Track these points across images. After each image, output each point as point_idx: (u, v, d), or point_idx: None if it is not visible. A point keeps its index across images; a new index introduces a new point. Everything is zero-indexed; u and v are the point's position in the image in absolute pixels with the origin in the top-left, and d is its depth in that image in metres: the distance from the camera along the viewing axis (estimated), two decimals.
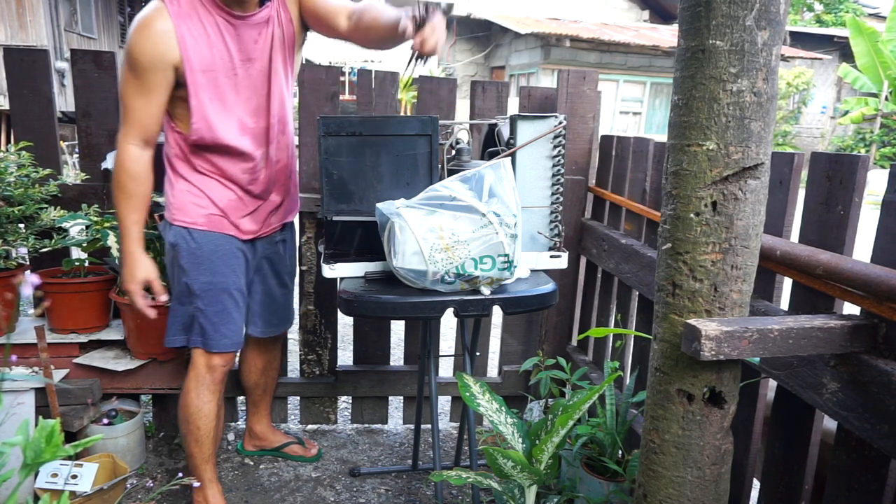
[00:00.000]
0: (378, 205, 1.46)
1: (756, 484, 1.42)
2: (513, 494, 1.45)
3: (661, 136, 7.49)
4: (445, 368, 2.73)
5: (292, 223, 1.93)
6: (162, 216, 1.74)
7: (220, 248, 1.69)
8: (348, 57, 11.15)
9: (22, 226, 1.92)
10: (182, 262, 1.67)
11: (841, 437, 1.11)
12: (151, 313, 1.64)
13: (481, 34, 14.17)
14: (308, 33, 1.75)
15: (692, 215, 0.96)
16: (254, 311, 1.90)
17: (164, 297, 1.65)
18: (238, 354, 1.98)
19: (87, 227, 1.92)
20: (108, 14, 10.63)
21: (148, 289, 1.65)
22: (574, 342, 2.43)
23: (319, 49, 10.84)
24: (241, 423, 2.42)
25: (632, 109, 13.21)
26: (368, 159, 1.54)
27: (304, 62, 1.95)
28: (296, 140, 1.93)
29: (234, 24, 1.56)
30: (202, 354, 1.73)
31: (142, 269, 1.62)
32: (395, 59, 11.28)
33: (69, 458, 1.71)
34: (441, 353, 2.26)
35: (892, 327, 1.00)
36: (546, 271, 1.68)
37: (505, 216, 1.40)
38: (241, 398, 2.41)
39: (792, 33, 14.69)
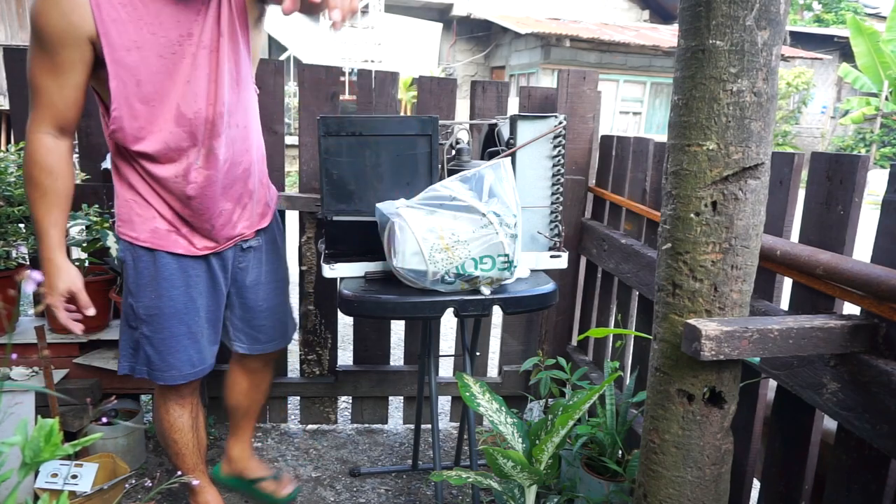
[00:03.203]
0: (378, 205, 1.46)
1: (756, 484, 1.42)
2: (513, 494, 1.45)
3: (661, 136, 7.49)
4: (445, 368, 2.73)
5: (273, 226, 1.70)
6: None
7: (167, 268, 1.48)
8: (348, 55, 11.15)
9: (22, 226, 1.92)
10: (128, 281, 1.49)
11: (841, 437, 1.11)
12: (77, 328, 1.36)
13: (481, 34, 14.17)
14: (266, 6, 1.48)
15: (692, 215, 0.96)
16: (235, 326, 1.70)
17: (90, 311, 1.38)
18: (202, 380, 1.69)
19: (87, 227, 1.92)
20: None
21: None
22: (574, 342, 2.43)
23: (319, 49, 10.84)
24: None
25: (632, 109, 13.20)
26: (368, 159, 1.54)
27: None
28: (292, 140, 1.87)
29: None
30: (157, 387, 1.60)
31: (63, 278, 1.37)
32: (395, 60, 11.29)
33: (69, 457, 1.71)
34: (441, 353, 2.26)
35: (893, 327, 1.00)
36: (546, 271, 1.68)
37: (505, 216, 1.39)
38: None
39: (792, 33, 14.69)
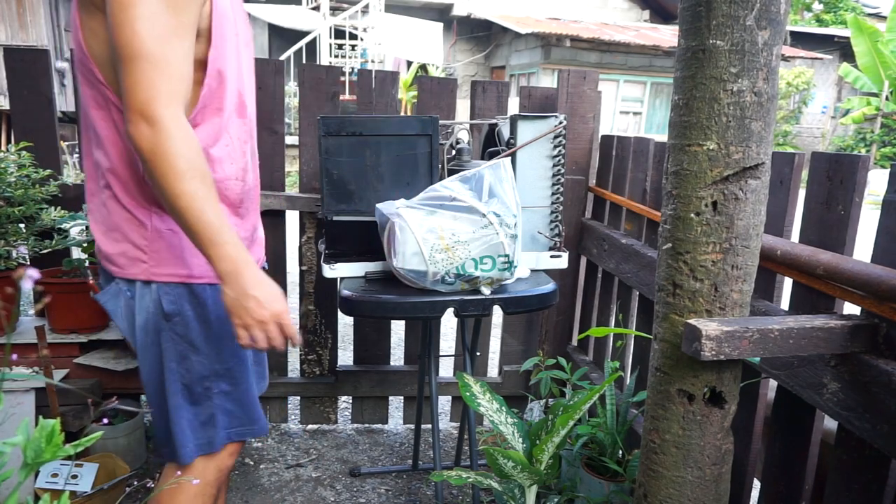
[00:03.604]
0: (378, 205, 1.46)
1: (756, 484, 1.42)
2: (513, 494, 1.45)
3: (662, 136, 7.49)
4: (446, 368, 2.73)
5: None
6: (112, 277, 1.14)
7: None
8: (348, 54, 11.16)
9: (22, 226, 1.92)
10: (192, 336, 1.14)
11: (841, 437, 1.11)
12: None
13: (481, 34, 14.17)
14: None
15: (692, 215, 0.96)
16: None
17: (298, 338, 1.11)
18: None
19: (88, 227, 1.92)
20: None
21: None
22: (574, 342, 2.43)
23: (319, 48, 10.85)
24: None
25: (632, 109, 13.20)
26: (368, 159, 1.54)
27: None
28: (292, 140, 1.80)
29: None
30: (212, 457, 1.23)
31: (277, 290, 1.06)
32: (400, 53, 11.29)
33: (69, 457, 1.71)
34: (441, 353, 2.26)
35: (893, 327, 1.00)
36: (546, 271, 1.68)
37: (505, 216, 1.40)
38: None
39: (792, 33, 14.68)
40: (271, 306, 1.04)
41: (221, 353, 1.18)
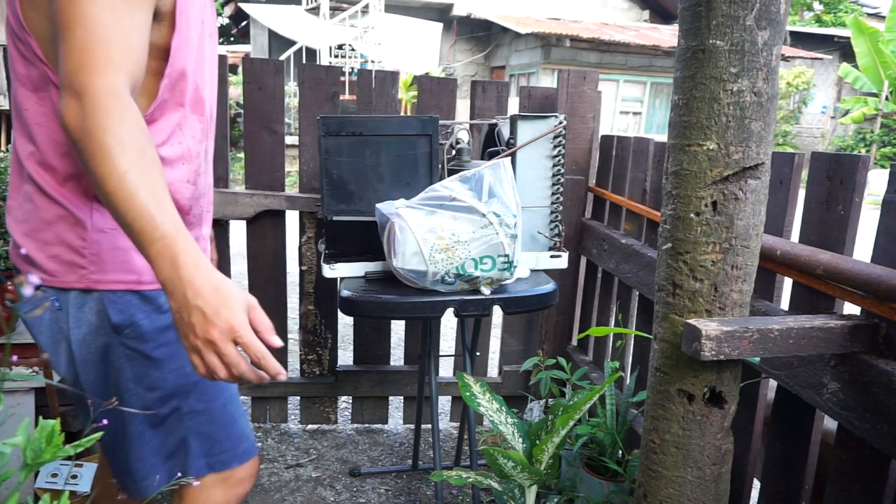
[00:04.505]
0: (378, 205, 1.46)
1: (756, 484, 1.42)
2: (513, 494, 1.45)
3: (661, 136, 7.50)
4: (445, 368, 2.73)
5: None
6: (38, 287, 0.96)
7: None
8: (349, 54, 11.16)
9: None
10: (149, 350, 0.98)
11: (841, 437, 1.11)
12: (279, 374, 0.79)
13: (481, 34, 14.17)
14: None
15: (692, 215, 0.96)
16: None
17: (276, 341, 0.80)
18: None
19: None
20: None
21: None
22: (574, 342, 2.43)
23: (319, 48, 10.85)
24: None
25: (632, 109, 13.21)
26: (368, 159, 1.54)
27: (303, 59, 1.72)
28: (292, 140, 1.81)
29: None
30: (216, 481, 1.08)
31: (235, 290, 0.79)
32: (395, 59, 11.29)
33: (69, 458, 1.71)
34: (441, 353, 2.26)
35: (893, 327, 1.00)
36: (546, 271, 1.68)
37: (505, 216, 1.40)
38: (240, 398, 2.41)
39: (792, 33, 14.69)
40: (222, 319, 0.75)
41: (186, 365, 0.97)
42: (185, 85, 0.97)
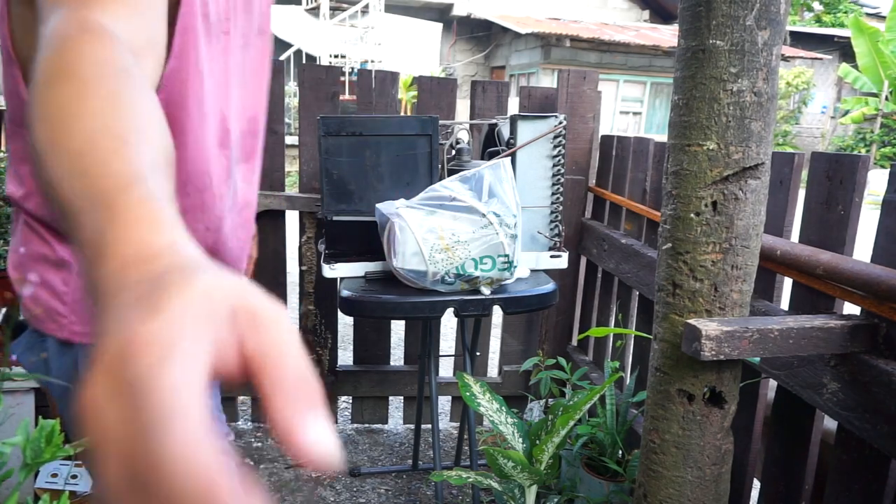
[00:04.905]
0: (378, 205, 1.46)
1: (756, 484, 1.42)
2: (513, 494, 1.45)
3: (661, 136, 7.48)
4: (445, 368, 2.72)
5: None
6: (27, 327, 0.85)
7: None
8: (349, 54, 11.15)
9: None
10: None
11: (841, 437, 1.11)
12: None
13: (481, 34, 14.17)
14: None
15: (692, 215, 0.96)
16: None
17: None
18: None
19: None
20: None
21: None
22: (574, 342, 2.43)
23: (319, 48, 10.85)
24: (239, 423, 2.41)
25: (632, 109, 13.21)
26: (368, 159, 1.54)
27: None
28: (292, 140, 1.78)
29: None
30: None
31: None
32: (395, 59, 11.29)
33: (69, 458, 1.71)
34: (441, 353, 2.26)
35: (893, 327, 1.00)
36: (546, 271, 1.68)
37: (505, 216, 1.40)
38: (241, 398, 2.41)
39: (792, 33, 14.69)
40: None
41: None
42: (188, 117, 0.78)
